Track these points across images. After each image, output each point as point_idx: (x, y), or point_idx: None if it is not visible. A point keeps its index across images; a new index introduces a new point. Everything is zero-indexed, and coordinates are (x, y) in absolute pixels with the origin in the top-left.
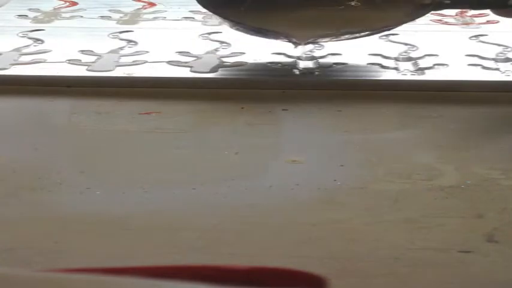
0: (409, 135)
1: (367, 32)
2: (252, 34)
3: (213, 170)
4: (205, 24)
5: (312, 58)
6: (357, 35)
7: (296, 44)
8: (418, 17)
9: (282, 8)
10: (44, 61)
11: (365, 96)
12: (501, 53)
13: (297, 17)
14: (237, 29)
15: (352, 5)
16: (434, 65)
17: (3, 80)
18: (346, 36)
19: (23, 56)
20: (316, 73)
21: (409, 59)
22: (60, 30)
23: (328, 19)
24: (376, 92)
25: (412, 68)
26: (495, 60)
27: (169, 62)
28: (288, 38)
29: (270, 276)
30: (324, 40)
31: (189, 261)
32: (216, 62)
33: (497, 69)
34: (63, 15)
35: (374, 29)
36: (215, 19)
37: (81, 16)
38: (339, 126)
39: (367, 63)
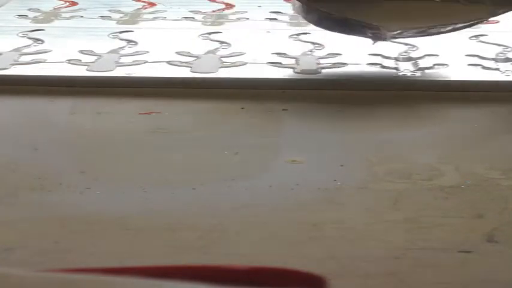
0: (409, 135)
1: (452, 27)
2: (334, 30)
3: (213, 170)
4: (205, 24)
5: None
6: (443, 30)
7: (376, 40)
8: (504, 12)
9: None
10: (44, 61)
11: (365, 96)
12: (501, 53)
13: (386, 9)
14: (318, 24)
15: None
16: (434, 65)
17: (3, 80)
18: (434, 30)
19: (23, 56)
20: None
21: (409, 59)
22: (60, 30)
23: (416, 12)
24: (376, 92)
25: (412, 68)
26: (495, 60)
27: (169, 62)
28: (375, 30)
29: (270, 276)
30: (410, 34)
31: (189, 261)
32: (217, 63)
33: (497, 69)
34: (63, 15)
35: (460, 23)
36: (298, 11)
37: (81, 16)
38: (339, 126)
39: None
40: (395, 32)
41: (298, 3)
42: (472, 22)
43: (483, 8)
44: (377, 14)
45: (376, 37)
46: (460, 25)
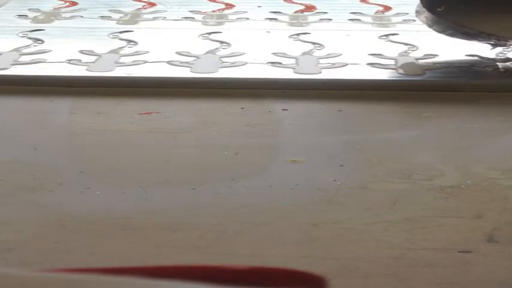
0: (409, 135)
1: None
2: (457, 37)
3: (213, 170)
4: (206, 24)
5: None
6: None
7: (495, 46)
8: None
9: (501, 12)
10: (44, 61)
11: (365, 96)
12: (501, 53)
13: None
14: (443, 33)
15: None
16: (434, 64)
17: (3, 80)
18: None
19: (23, 56)
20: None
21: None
22: (60, 30)
23: None
24: (376, 92)
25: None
26: (495, 60)
27: (169, 62)
28: (501, 41)
29: (270, 276)
30: None
31: (189, 261)
32: (217, 62)
33: (496, 69)
34: (63, 15)
35: None
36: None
37: (81, 16)
38: (339, 126)
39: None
40: None
41: (426, 13)
42: None
43: None
44: (506, 26)
45: (498, 44)
46: None
